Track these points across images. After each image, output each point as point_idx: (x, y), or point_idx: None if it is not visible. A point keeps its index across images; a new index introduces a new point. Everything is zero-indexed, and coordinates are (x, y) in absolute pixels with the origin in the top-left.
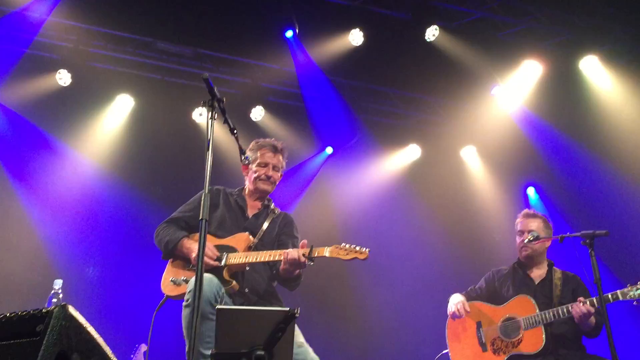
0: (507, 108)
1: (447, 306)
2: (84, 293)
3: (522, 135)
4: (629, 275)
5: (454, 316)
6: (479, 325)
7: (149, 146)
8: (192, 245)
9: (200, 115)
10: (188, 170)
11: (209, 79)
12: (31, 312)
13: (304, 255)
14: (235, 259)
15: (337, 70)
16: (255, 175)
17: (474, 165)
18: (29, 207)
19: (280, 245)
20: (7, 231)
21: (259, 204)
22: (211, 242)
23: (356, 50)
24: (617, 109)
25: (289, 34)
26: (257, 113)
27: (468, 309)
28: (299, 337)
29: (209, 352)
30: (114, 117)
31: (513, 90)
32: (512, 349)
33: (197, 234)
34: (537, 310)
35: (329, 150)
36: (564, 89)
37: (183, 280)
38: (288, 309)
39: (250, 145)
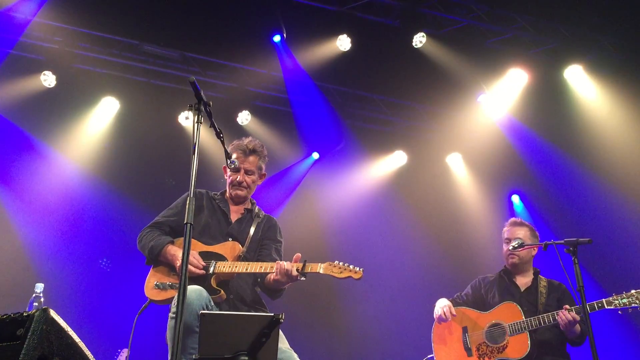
0: (493, 116)
1: (432, 311)
2: (66, 297)
3: (508, 143)
4: (611, 283)
5: (440, 319)
6: (464, 330)
7: (134, 149)
8: (177, 252)
9: (186, 118)
10: (173, 174)
11: (195, 82)
12: (12, 315)
13: (297, 270)
14: (225, 268)
15: (324, 75)
16: (229, 181)
17: (460, 172)
18: (11, 209)
19: (263, 249)
20: None
21: (241, 208)
22: (198, 248)
23: (344, 55)
24: (600, 118)
25: (277, 38)
26: (244, 117)
27: (454, 313)
28: (283, 342)
29: None
30: (99, 120)
31: (499, 98)
32: (497, 354)
33: (182, 239)
34: (523, 317)
35: (315, 155)
36: (548, 97)
37: (168, 285)
38: (272, 314)
39: (232, 147)
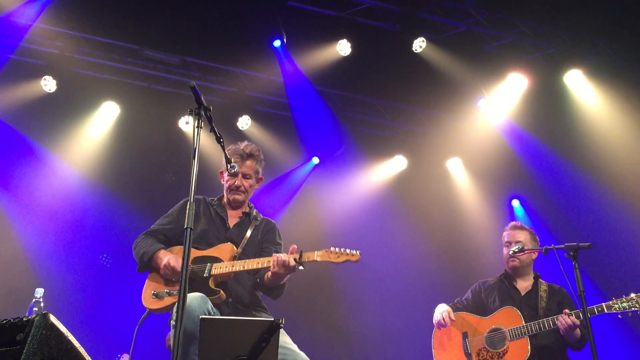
0: (493, 120)
1: (432, 316)
2: (66, 302)
3: (508, 148)
4: (612, 287)
5: (440, 325)
6: (464, 335)
7: (135, 154)
8: (164, 257)
9: (186, 123)
10: (174, 179)
11: (195, 87)
12: (12, 320)
13: (294, 259)
14: (221, 268)
15: (324, 80)
16: (227, 185)
17: (460, 177)
18: (11, 214)
19: (263, 252)
20: None
21: (239, 212)
22: (192, 254)
23: (344, 60)
24: (600, 123)
25: (277, 43)
26: (244, 122)
27: (453, 318)
28: (285, 337)
29: None
30: (100, 125)
31: (498, 103)
32: None
33: (176, 247)
34: (523, 322)
35: (316, 160)
36: (548, 102)
37: (166, 293)
38: (272, 319)
39: (230, 151)
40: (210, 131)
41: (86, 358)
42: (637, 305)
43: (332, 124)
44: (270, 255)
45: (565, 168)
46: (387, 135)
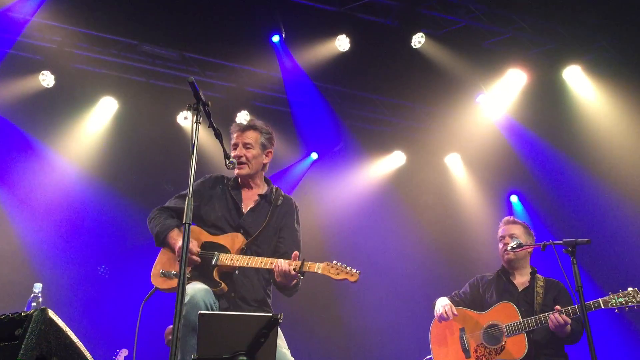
0: (492, 116)
1: (431, 311)
2: (65, 297)
3: (506, 144)
4: (610, 283)
5: (441, 318)
6: (462, 330)
7: (133, 149)
8: (178, 239)
9: (185, 118)
10: (172, 174)
11: (194, 82)
12: (10, 315)
13: (294, 269)
14: (227, 260)
15: (323, 75)
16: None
17: (458, 173)
18: (9, 209)
19: (281, 240)
20: None
21: (255, 194)
22: (203, 238)
23: (342, 56)
24: (599, 119)
25: (276, 38)
26: (243, 117)
27: (455, 312)
28: (281, 340)
29: None
30: (98, 120)
31: (497, 99)
32: (495, 356)
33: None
34: (520, 317)
35: (314, 155)
36: (547, 98)
37: (173, 274)
38: (271, 314)
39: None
40: (209, 126)
41: (85, 353)
42: (633, 300)
43: (330, 120)
44: (286, 247)
45: (564, 164)
46: (386, 130)
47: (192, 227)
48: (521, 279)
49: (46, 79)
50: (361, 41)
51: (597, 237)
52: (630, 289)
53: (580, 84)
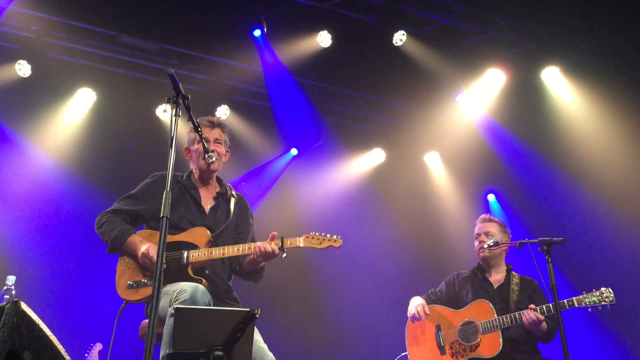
0: (471, 115)
1: (407, 308)
2: (38, 290)
3: (485, 143)
4: (584, 282)
5: (414, 318)
6: (438, 328)
7: (111, 142)
8: (140, 244)
9: (164, 111)
10: (150, 167)
11: (174, 75)
12: None
13: (277, 247)
14: (200, 255)
15: (304, 71)
16: (198, 153)
17: (437, 171)
18: None
19: (240, 235)
20: None
21: (212, 192)
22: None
23: (324, 52)
24: (576, 120)
25: (257, 33)
26: (222, 112)
27: (428, 312)
28: (257, 336)
29: None
30: (75, 111)
31: (477, 98)
32: (470, 353)
33: (145, 232)
34: (495, 315)
35: (294, 151)
36: (525, 98)
37: (143, 283)
38: (248, 309)
39: (188, 129)
40: (188, 120)
41: (58, 347)
42: (606, 300)
43: (311, 116)
44: (246, 238)
45: (541, 164)
46: (366, 127)
47: (144, 230)
48: (497, 277)
49: (22, 68)
50: (343, 38)
51: (572, 237)
52: (603, 288)
53: (558, 85)
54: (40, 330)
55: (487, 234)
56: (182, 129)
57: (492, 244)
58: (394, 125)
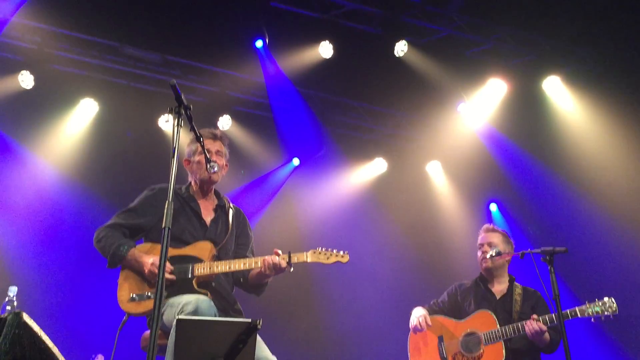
0: (472, 125)
1: (409, 319)
2: (40, 301)
3: (486, 152)
4: (586, 292)
5: (416, 329)
6: (440, 339)
7: (113, 152)
8: (143, 258)
9: (166, 122)
10: (153, 178)
11: (176, 85)
12: None
13: (284, 261)
14: (205, 269)
15: (305, 81)
16: (199, 164)
17: (439, 181)
18: None
19: (240, 247)
20: None
21: (211, 204)
22: (169, 253)
23: (326, 62)
24: (578, 129)
25: (259, 43)
26: (224, 122)
27: (430, 323)
28: (264, 350)
29: None
30: (77, 122)
31: (478, 108)
32: None
33: (146, 245)
34: (498, 326)
35: (296, 161)
36: (527, 108)
37: (146, 296)
38: (250, 320)
39: (188, 141)
40: (190, 130)
41: (60, 358)
42: (609, 310)
43: (313, 126)
44: (246, 253)
45: (543, 173)
46: (368, 138)
47: (144, 244)
48: (499, 287)
49: (25, 79)
50: (344, 48)
51: (575, 247)
52: (606, 298)
53: (560, 94)
54: (42, 341)
55: (490, 244)
56: (184, 140)
57: (494, 254)
58: (395, 135)
